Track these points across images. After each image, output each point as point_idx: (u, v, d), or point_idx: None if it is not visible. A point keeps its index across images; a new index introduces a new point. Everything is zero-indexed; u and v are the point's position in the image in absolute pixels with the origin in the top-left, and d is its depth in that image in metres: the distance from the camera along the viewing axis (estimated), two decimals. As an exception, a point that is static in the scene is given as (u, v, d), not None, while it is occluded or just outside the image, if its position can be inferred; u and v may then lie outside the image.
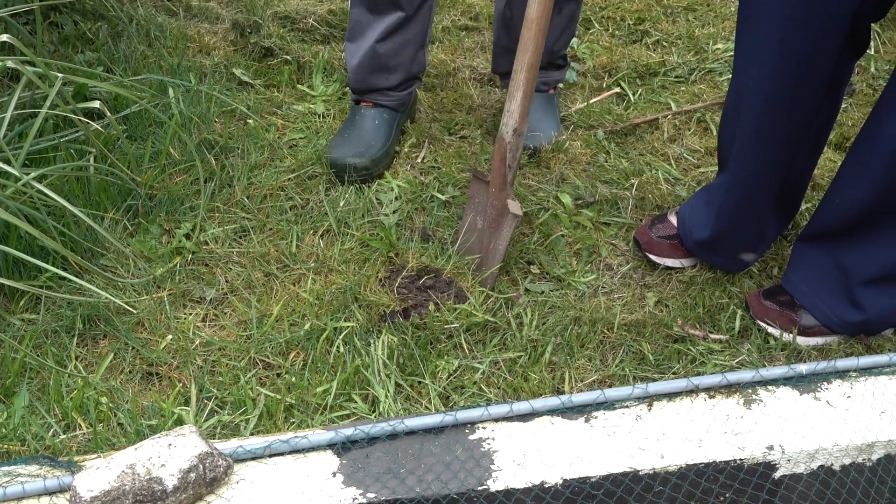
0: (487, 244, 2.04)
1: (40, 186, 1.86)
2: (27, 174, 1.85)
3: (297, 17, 2.85)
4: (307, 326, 1.88)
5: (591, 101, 2.55)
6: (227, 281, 2.04)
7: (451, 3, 3.04)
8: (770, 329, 1.92)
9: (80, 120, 1.95)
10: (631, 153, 2.40)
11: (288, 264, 2.06)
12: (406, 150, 2.40)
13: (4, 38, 1.78)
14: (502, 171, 2.02)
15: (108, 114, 1.91)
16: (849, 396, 1.66)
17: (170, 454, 1.42)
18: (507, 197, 2.02)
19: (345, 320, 1.89)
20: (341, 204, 2.20)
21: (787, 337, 1.90)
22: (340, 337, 1.85)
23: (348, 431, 1.55)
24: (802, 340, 1.91)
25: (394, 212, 2.19)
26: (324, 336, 1.85)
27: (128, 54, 2.62)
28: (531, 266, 2.09)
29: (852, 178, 1.77)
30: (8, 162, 1.84)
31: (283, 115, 2.50)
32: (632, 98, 2.61)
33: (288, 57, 2.69)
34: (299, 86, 2.61)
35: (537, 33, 1.89)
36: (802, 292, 1.92)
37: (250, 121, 2.43)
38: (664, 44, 2.86)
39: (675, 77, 2.70)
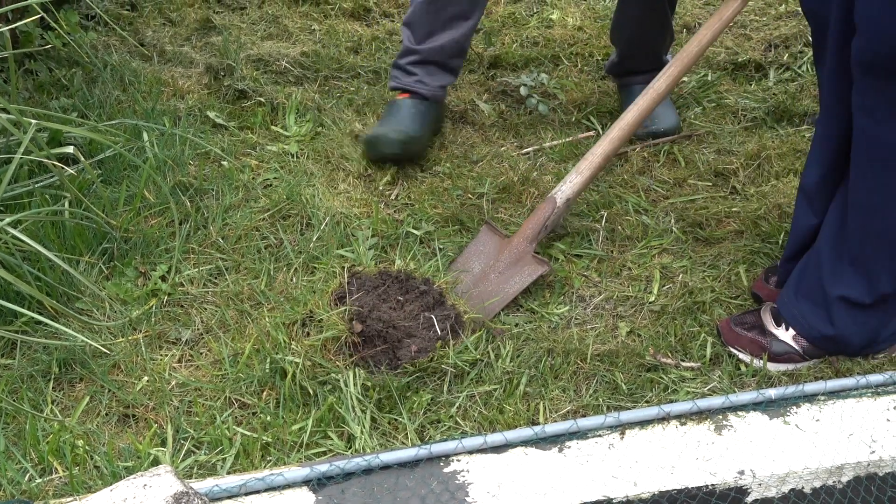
0: (496, 286, 2.09)
1: (15, 232, 1.87)
2: (2, 220, 1.87)
3: (269, 59, 2.89)
4: (268, 364, 1.89)
5: (568, 140, 2.59)
6: (202, 321, 2.05)
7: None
8: (741, 355, 1.95)
9: (54, 165, 1.97)
10: (601, 185, 2.43)
11: (260, 301, 2.07)
12: (380, 188, 2.42)
13: (-24, 86, 1.80)
14: (536, 228, 2.15)
15: (82, 158, 1.93)
16: (818, 420, 1.68)
17: (145, 494, 1.43)
18: (531, 250, 2.13)
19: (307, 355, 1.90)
20: (314, 239, 2.22)
21: (757, 363, 1.93)
22: (302, 372, 1.86)
23: (324, 468, 1.56)
24: (773, 367, 1.93)
25: (369, 248, 2.21)
26: (289, 376, 1.85)
27: (102, 99, 2.65)
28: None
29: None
30: (-18, 208, 1.86)
31: (258, 156, 2.52)
32: (601, 132, 2.65)
33: (261, 99, 2.73)
34: (273, 127, 2.65)
35: (619, 137, 2.21)
36: (784, 305, 1.95)
37: (224, 162, 2.45)
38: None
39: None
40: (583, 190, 2.21)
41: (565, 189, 2.18)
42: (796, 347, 1.92)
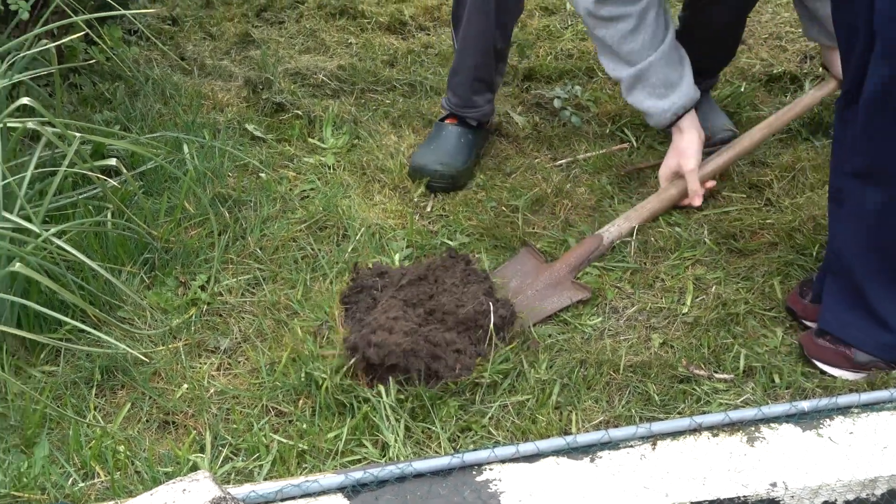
0: (531, 301, 2.13)
1: (60, 242, 1.92)
2: (47, 230, 1.92)
3: (307, 73, 2.93)
4: (303, 373, 1.92)
5: (602, 152, 2.60)
6: (240, 330, 2.09)
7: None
8: (825, 368, 1.94)
9: (97, 177, 2.02)
10: (634, 198, 2.45)
11: (297, 311, 2.11)
12: (415, 199, 2.45)
13: (25, 100, 1.86)
14: (580, 259, 2.21)
15: (125, 170, 1.98)
16: (851, 432, 1.68)
17: (184, 499, 1.47)
18: (571, 278, 2.18)
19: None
20: (350, 250, 2.26)
21: (843, 375, 1.91)
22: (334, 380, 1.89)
23: (358, 475, 1.59)
24: (853, 376, 1.92)
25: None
26: (323, 386, 1.88)
27: (144, 112, 2.71)
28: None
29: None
30: (29, 219, 1.91)
31: (295, 168, 2.56)
32: (635, 144, 2.66)
33: (299, 112, 2.77)
34: (310, 139, 2.69)
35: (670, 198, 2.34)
36: (837, 326, 1.94)
37: (263, 174, 2.50)
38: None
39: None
40: (626, 234, 2.30)
41: (613, 231, 2.28)
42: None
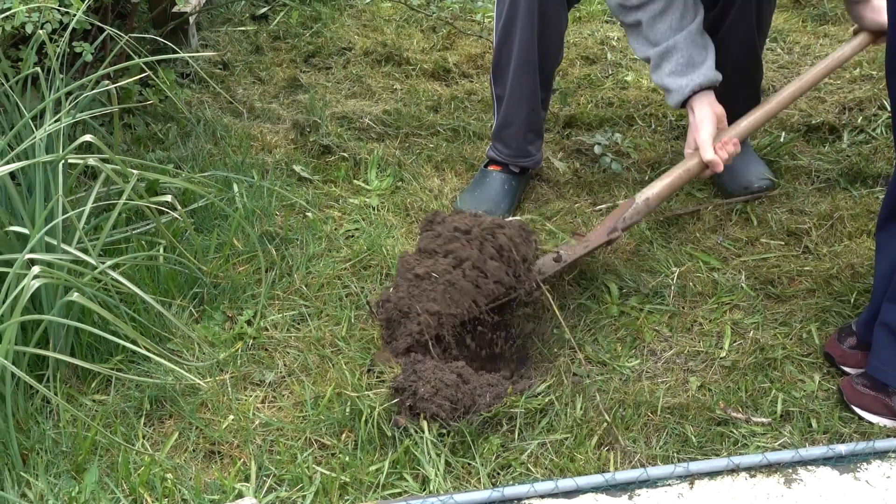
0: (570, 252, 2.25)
1: (115, 274, 1.99)
2: (103, 263, 1.99)
3: (353, 116, 3.01)
4: (348, 407, 1.97)
5: (673, 214, 2.64)
6: (285, 365, 2.14)
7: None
8: (864, 415, 1.95)
9: (152, 213, 2.10)
10: (672, 243, 2.48)
11: (340, 347, 2.16)
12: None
13: (88, 138, 1.94)
14: (614, 219, 2.27)
15: (179, 207, 2.05)
16: (888, 476, 1.69)
17: (232, 524, 1.51)
18: (605, 231, 2.26)
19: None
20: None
21: (883, 422, 1.93)
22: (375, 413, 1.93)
23: (400, 505, 1.62)
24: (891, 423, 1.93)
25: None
26: (363, 418, 1.93)
27: (195, 153, 2.79)
28: (576, 352, 2.16)
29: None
30: (86, 251, 1.99)
31: (340, 209, 2.63)
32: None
33: (345, 154, 2.84)
34: (355, 181, 2.76)
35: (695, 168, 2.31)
36: (886, 373, 1.95)
37: (309, 213, 2.56)
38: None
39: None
40: (661, 197, 2.31)
41: (645, 191, 2.31)
42: None
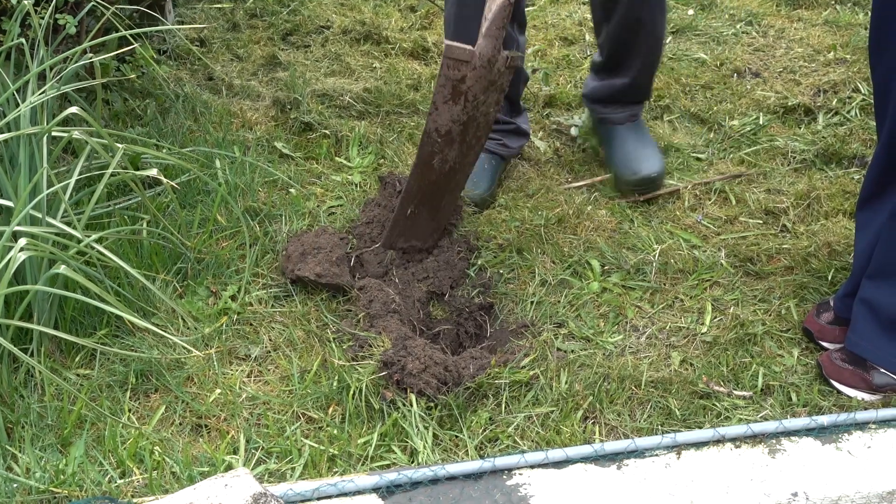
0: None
1: (100, 248, 1.98)
2: (88, 236, 1.98)
3: (334, 94, 3.01)
4: (335, 381, 1.98)
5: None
6: (270, 339, 2.14)
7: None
8: (843, 389, 1.99)
9: (137, 186, 2.08)
10: (653, 221, 2.51)
11: (326, 323, 2.16)
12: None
13: (74, 110, 1.93)
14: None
15: (165, 181, 2.04)
16: (869, 447, 1.73)
17: (226, 494, 1.51)
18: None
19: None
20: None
21: (861, 396, 1.97)
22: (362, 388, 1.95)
23: (392, 476, 1.64)
24: (872, 398, 1.97)
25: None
26: (351, 391, 1.94)
27: (175, 129, 2.77)
28: (560, 328, 2.19)
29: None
30: (71, 225, 1.97)
31: (323, 185, 2.63)
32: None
33: (326, 131, 2.84)
34: (337, 158, 2.75)
35: None
36: (864, 347, 1.99)
37: (292, 190, 2.56)
38: (685, 121, 2.99)
39: (694, 150, 2.83)
40: None
41: None
42: None
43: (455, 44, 2.01)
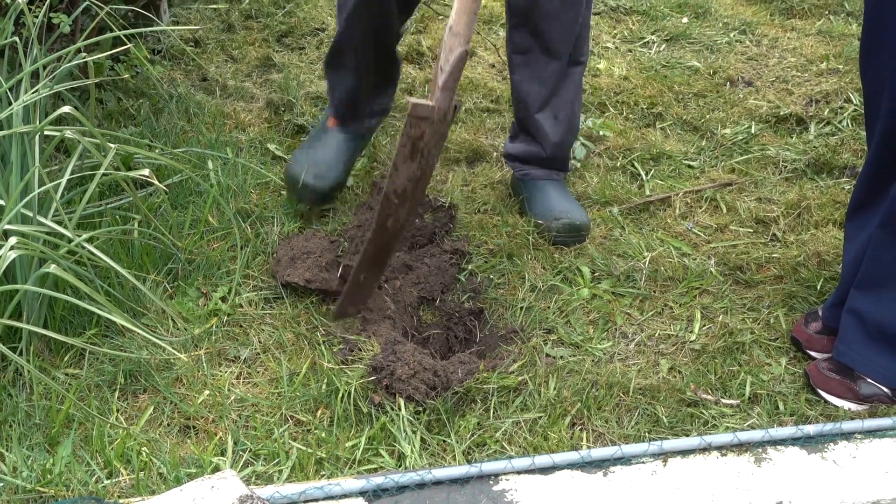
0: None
1: (90, 247, 1.98)
2: (79, 235, 1.98)
3: (327, 97, 3.00)
4: (324, 384, 1.98)
5: (644, 201, 2.63)
6: (259, 341, 2.14)
7: (472, 86, 3.20)
8: (830, 399, 2.00)
9: (129, 187, 2.08)
10: (644, 228, 2.52)
11: (316, 325, 2.16)
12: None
13: (66, 109, 1.93)
14: (435, 72, 2.03)
15: (157, 182, 2.04)
16: (854, 457, 1.74)
17: (213, 495, 1.51)
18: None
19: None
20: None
21: (847, 406, 1.97)
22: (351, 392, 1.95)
23: (379, 480, 1.64)
24: (859, 408, 1.98)
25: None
26: (339, 394, 1.94)
27: (168, 129, 2.78)
28: (550, 334, 2.19)
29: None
30: (62, 224, 1.97)
31: (315, 188, 2.63)
32: (644, 177, 2.74)
33: (319, 134, 2.84)
34: (329, 161, 2.75)
35: None
36: (852, 357, 2.00)
37: (284, 192, 2.56)
38: (677, 129, 3.00)
39: (686, 158, 2.84)
40: (458, 14, 1.97)
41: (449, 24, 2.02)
42: (885, 390, 1.97)
43: (419, 101, 1.97)
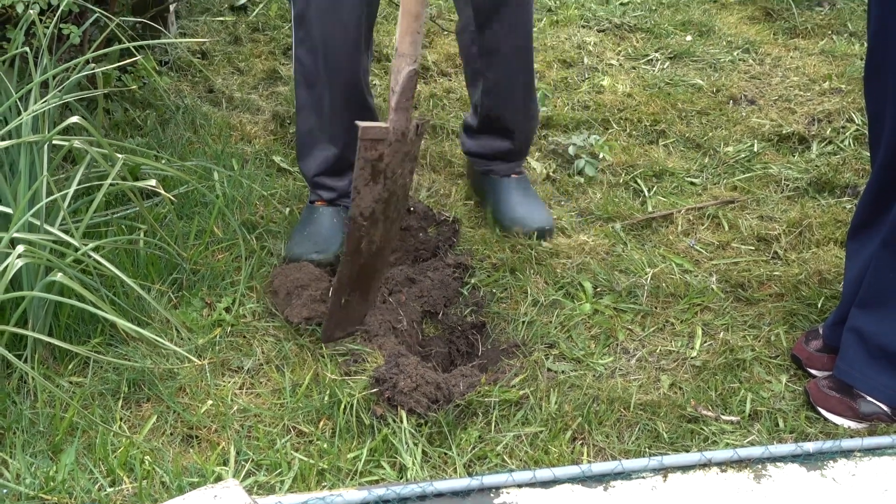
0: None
1: (97, 256, 1.99)
2: (86, 244, 1.99)
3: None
4: (327, 395, 1.99)
5: (646, 217, 2.65)
6: (263, 352, 2.15)
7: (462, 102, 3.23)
8: (829, 416, 2.00)
9: (136, 196, 2.10)
10: (646, 245, 2.53)
11: (319, 337, 2.18)
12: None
13: (75, 119, 1.94)
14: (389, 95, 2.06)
15: (164, 192, 2.06)
16: (854, 474, 1.75)
17: (216, 504, 1.52)
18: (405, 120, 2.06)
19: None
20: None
21: (846, 424, 1.98)
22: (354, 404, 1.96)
23: (381, 491, 1.65)
24: (859, 426, 1.99)
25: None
26: (342, 406, 1.95)
27: (174, 140, 2.80)
28: (551, 348, 2.20)
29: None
30: (68, 233, 1.99)
31: (319, 201, 2.64)
32: (647, 194, 2.75)
33: (324, 147, 2.86)
34: (334, 174, 2.77)
35: None
36: (852, 375, 2.01)
37: (287, 210, 2.57)
38: (679, 146, 3.02)
39: (688, 175, 2.86)
40: (402, 34, 2.02)
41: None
42: (885, 409, 1.98)
43: (369, 124, 2.01)
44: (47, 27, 2.13)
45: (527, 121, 2.61)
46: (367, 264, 2.13)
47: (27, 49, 2.09)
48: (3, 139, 1.99)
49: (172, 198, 2.19)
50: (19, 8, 1.99)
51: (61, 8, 2.04)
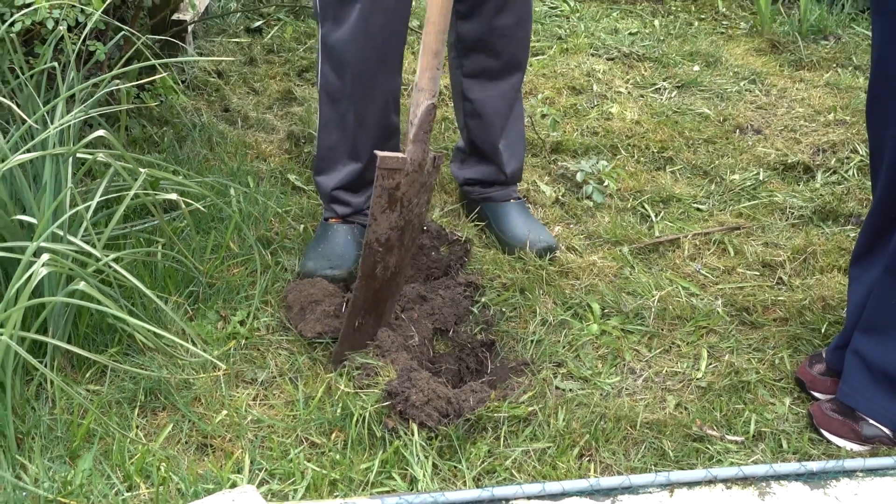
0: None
1: (117, 267, 2.04)
2: (107, 255, 2.04)
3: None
4: (339, 408, 2.03)
5: (654, 242, 2.70)
6: (276, 365, 2.19)
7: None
8: (832, 439, 2.04)
9: (156, 210, 2.15)
10: (654, 268, 2.58)
11: (332, 351, 2.22)
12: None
13: (101, 133, 2.00)
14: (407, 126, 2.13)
15: (184, 206, 2.11)
16: (856, 493, 1.78)
17: (233, 509, 1.56)
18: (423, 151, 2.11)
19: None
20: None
21: (849, 446, 2.01)
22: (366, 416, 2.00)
23: (392, 501, 1.69)
24: (862, 448, 2.02)
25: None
26: (354, 418, 1.99)
27: (191, 157, 2.85)
28: (559, 367, 2.24)
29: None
30: (91, 243, 2.04)
31: (333, 218, 2.69)
32: (654, 219, 2.80)
33: (338, 166, 2.91)
34: (347, 193, 2.82)
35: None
36: (855, 398, 2.05)
37: (301, 227, 2.62)
38: (686, 173, 3.08)
39: (695, 202, 2.91)
40: (423, 69, 2.09)
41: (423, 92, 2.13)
42: (887, 432, 2.01)
43: (387, 154, 2.07)
44: (75, 44, 2.19)
45: (521, 155, 2.70)
46: (381, 289, 2.18)
47: (55, 64, 2.15)
48: (31, 151, 2.05)
49: (200, 207, 2.24)
50: (49, 24, 2.04)
51: (89, 26, 2.10)
